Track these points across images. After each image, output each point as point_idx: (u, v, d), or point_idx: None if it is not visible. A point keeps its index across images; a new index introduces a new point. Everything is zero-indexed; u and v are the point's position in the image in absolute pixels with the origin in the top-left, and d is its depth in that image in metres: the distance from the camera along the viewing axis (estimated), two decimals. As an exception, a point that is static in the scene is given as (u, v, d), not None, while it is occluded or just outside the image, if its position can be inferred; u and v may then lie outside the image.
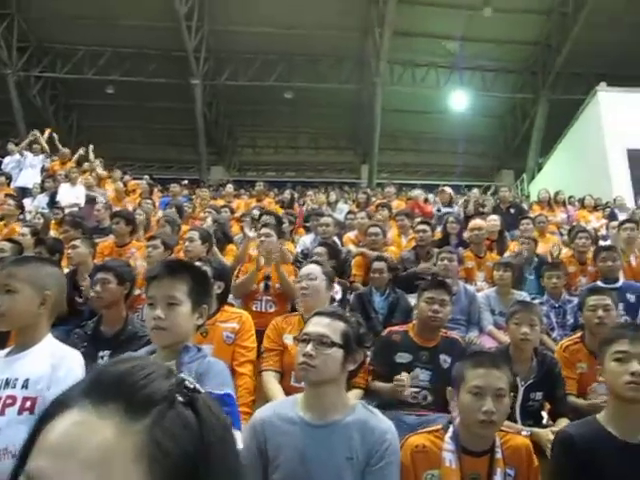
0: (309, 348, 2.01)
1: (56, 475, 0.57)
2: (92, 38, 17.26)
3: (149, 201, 7.95)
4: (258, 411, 2.15)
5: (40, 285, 2.15)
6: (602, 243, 6.58)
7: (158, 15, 16.08)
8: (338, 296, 4.14)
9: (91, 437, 0.59)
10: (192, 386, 0.68)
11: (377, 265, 4.79)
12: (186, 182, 13.35)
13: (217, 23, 17.12)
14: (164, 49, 17.68)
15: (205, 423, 0.65)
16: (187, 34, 16.53)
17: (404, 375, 2.97)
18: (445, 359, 3.23)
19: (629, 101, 14.68)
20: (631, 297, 4.59)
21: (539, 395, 3.11)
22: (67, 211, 7.91)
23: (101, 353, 3.19)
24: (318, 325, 2.09)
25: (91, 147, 11.55)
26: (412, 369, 3.18)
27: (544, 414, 3.25)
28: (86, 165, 10.86)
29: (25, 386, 2.01)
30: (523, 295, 4.90)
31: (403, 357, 3.23)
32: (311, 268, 3.41)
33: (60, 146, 11.57)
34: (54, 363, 2.08)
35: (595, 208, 10.66)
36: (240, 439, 1.87)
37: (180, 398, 0.65)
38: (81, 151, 11.56)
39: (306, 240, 6.54)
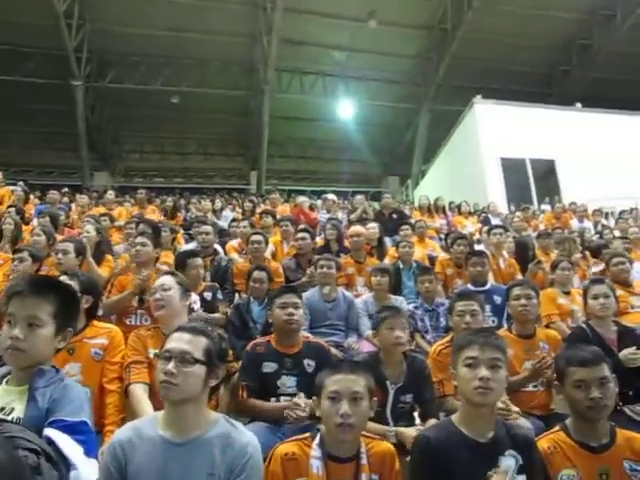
0: (171, 366, 1.96)
1: None
2: (-42, 33, 16.03)
3: (12, 209, 7.45)
4: (117, 431, 2.08)
5: None
6: (476, 247, 6.93)
7: (35, 10, 15.20)
8: (197, 306, 4.09)
9: None
10: None
11: (257, 275, 4.77)
12: (66, 189, 12.73)
13: (100, 22, 16.52)
14: (43, 47, 16.80)
15: None
16: (67, 32, 15.81)
17: (301, 400, 2.96)
18: (309, 363, 3.28)
19: (502, 113, 15.72)
20: (498, 299, 4.85)
21: (409, 397, 3.20)
22: None
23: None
24: (180, 341, 2.04)
25: None
26: (279, 377, 3.20)
27: (416, 415, 3.35)
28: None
29: None
30: (399, 300, 5.05)
31: (269, 366, 3.23)
32: (164, 279, 3.36)
33: None
34: None
35: (471, 214, 11.22)
36: (95, 468, 1.79)
37: None
38: None
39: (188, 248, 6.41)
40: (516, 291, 3.88)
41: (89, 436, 1.78)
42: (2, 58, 16.79)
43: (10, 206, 7.85)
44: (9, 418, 1.75)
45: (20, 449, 1.36)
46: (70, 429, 1.72)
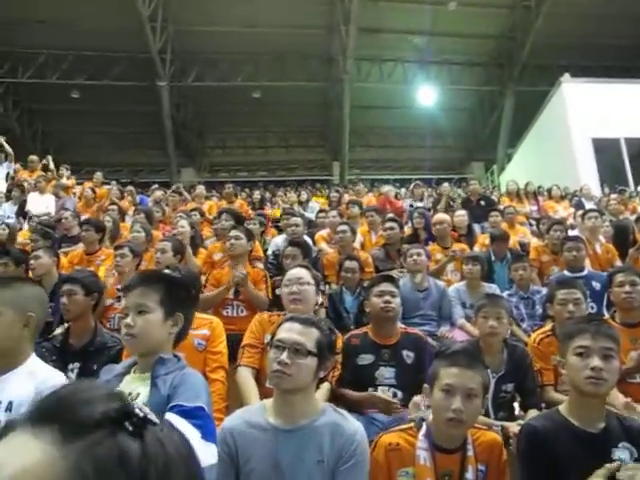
0: (284, 356, 1.98)
1: None
2: (54, 41, 16.90)
3: (114, 207, 7.83)
4: (227, 419, 2.13)
5: (23, 307, 2.14)
6: (570, 232, 6.68)
7: (121, 17, 15.82)
8: (320, 300, 4.14)
9: (17, 458, 0.58)
10: (142, 415, 0.65)
11: (348, 265, 4.79)
12: (156, 186, 13.22)
13: (182, 24, 16.93)
14: (129, 51, 17.45)
15: (147, 458, 0.61)
16: (151, 36, 16.35)
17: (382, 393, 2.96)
18: (408, 354, 3.25)
19: (592, 91, 14.94)
20: (596, 285, 4.66)
21: (510, 387, 3.14)
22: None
23: (71, 366, 3.15)
24: (292, 332, 2.05)
25: (49, 157, 11.40)
26: (376, 368, 3.19)
27: (516, 405, 3.28)
28: (49, 175, 10.68)
29: (9, 409, 2.00)
30: (493, 287, 4.95)
31: (365, 358, 3.22)
32: (301, 272, 3.27)
33: (52, 167, 11.35)
34: (37, 385, 2.06)
35: (562, 198, 10.80)
36: (213, 452, 1.84)
37: (128, 427, 0.62)
38: (44, 160, 11.40)
39: (277, 241, 6.52)
40: (619, 277, 3.71)
41: (206, 421, 1.83)
42: (93, 64, 17.66)
43: (111, 204, 8.26)
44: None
45: None
46: (188, 414, 1.78)
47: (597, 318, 2.46)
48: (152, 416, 0.66)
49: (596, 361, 2.06)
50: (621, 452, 2.01)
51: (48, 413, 0.62)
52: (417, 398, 2.88)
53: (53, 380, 2.13)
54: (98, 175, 11.29)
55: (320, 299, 3.52)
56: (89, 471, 0.58)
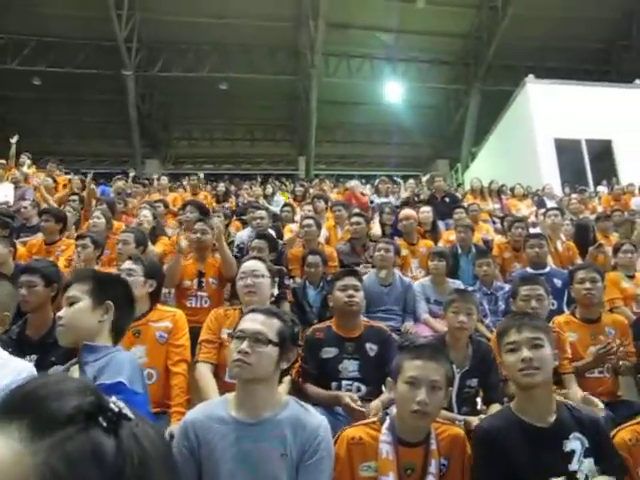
0: (245, 345, 1.98)
1: None
2: (15, 26, 16.45)
3: (76, 197, 7.67)
4: (189, 413, 2.11)
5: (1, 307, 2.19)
6: (532, 230, 6.78)
7: (86, 2, 15.51)
8: (276, 291, 4.12)
9: None
10: (117, 410, 0.62)
11: (311, 259, 4.78)
12: (119, 177, 12.96)
13: (149, 12, 16.71)
14: (93, 39, 17.11)
15: (122, 454, 0.59)
16: (117, 23, 16.07)
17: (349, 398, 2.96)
18: (371, 347, 3.25)
19: (556, 93, 15.23)
20: (558, 282, 4.74)
21: (474, 382, 3.16)
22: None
23: (28, 358, 3.06)
24: (254, 322, 2.06)
25: (15, 138, 11.03)
26: (340, 362, 3.19)
27: (479, 400, 3.31)
28: (8, 163, 10.37)
29: None
30: (457, 283, 4.99)
31: (329, 352, 3.22)
32: (256, 265, 3.29)
33: (13, 153, 10.97)
34: (7, 375, 2.09)
35: (525, 196, 10.98)
36: None
37: (102, 422, 0.59)
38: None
39: (243, 235, 6.47)
40: (580, 274, 3.78)
41: (128, 395, 1.79)
42: (55, 50, 17.22)
43: (73, 194, 8.07)
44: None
45: None
46: (107, 391, 1.75)
47: (521, 313, 2.52)
48: (127, 411, 0.64)
49: (525, 352, 2.12)
50: (572, 443, 2.06)
51: (15, 407, 0.59)
52: (374, 403, 2.88)
53: (26, 370, 2.18)
54: (52, 165, 10.97)
55: (276, 291, 3.53)
56: (60, 468, 0.55)
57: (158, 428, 0.68)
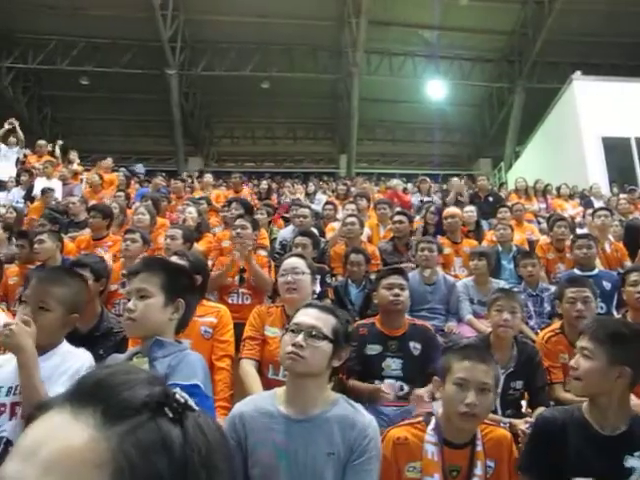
0: (300, 338, 1.97)
1: (16, 476, 0.55)
2: (64, 28, 16.89)
3: (121, 194, 7.84)
4: (237, 405, 2.11)
5: (70, 307, 2.20)
6: (579, 231, 6.64)
7: (132, 4, 15.82)
8: (318, 289, 4.11)
9: (57, 439, 0.57)
10: (183, 401, 0.64)
11: (354, 258, 4.77)
12: (163, 174, 13.20)
13: (193, 12, 16.88)
14: (139, 39, 17.41)
15: (189, 444, 0.61)
16: (162, 24, 16.26)
17: (385, 386, 2.95)
18: (415, 346, 3.24)
19: (603, 90, 14.78)
20: (607, 285, 4.62)
21: (519, 384, 3.11)
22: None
23: (76, 351, 3.14)
24: (309, 316, 2.04)
25: (59, 143, 11.38)
26: (383, 359, 3.19)
27: (523, 403, 3.26)
28: (54, 160, 10.68)
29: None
30: (501, 283, 4.91)
31: (373, 349, 3.23)
32: (296, 262, 3.26)
33: (58, 154, 11.33)
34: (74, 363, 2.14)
35: (571, 196, 10.75)
36: None
37: (169, 413, 0.61)
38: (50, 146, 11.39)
39: (285, 232, 6.50)
40: (633, 277, 3.68)
41: (201, 399, 1.82)
42: (102, 51, 17.62)
43: (119, 191, 8.26)
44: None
45: None
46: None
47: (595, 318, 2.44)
48: (191, 402, 0.65)
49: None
50: (635, 461, 1.96)
51: (88, 394, 0.61)
52: (420, 391, 2.87)
53: (89, 359, 2.22)
54: (108, 161, 11.28)
55: (318, 288, 3.51)
56: (133, 454, 0.57)
57: (215, 420, 0.70)
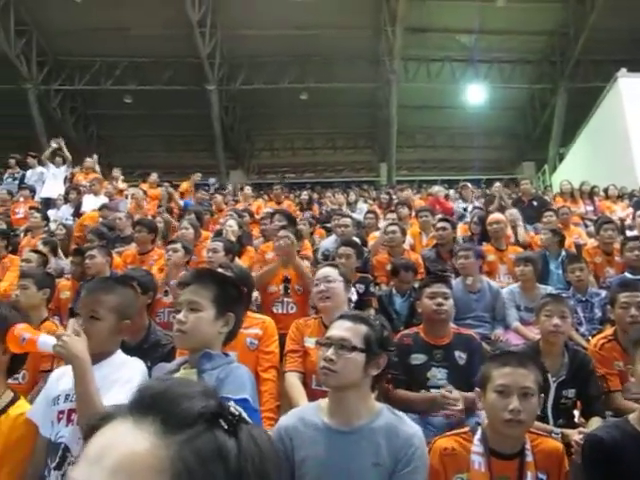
0: (330, 352, 1.99)
1: (84, 479, 0.60)
2: (107, 49, 17.41)
3: (162, 209, 7.99)
4: (283, 418, 2.13)
5: (122, 315, 2.23)
6: (628, 233, 6.46)
7: (171, 23, 16.14)
8: (354, 297, 4.10)
9: (121, 446, 0.61)
10: (237, 413, 0.68)
11: (404, 276, 4.74)
12: (207, 187, 13.39)
13: (229, 28, 17.14)
14: (179, 56, 17.78)
15: (243, 454, 0.64)
16: (201, 40, 16.60)
17: (450, 391, 2.91)
18: (460, 355, 3.19)
19: (650, 86, 14.39)
20: (661, 289, 4.46)
21: (572, 392, 3.01)
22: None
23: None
24: (340, 329, 2.06)
25: (95, 157, 11.67)
26: (428, 369, 3.15)
27: (576, 412, 3.16)
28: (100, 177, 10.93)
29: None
30: (548, 289, 4.80)
31: (418, 358, 3.19)
32: (328, 271, 3.32)
33: (98, 169, 11.64)
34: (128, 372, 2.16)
35: (620, 198, 10.46)
36: None
37: (224, 424, 0.65)
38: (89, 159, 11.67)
39: (327, 242, 6.50)
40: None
41: (250, 413, 1.82)
42: (145, 70, 18.13)
43: (160, 206, 8.42)
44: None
45: None
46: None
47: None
48: (245, 415, 0.70)
49: None
50: None
51: (148, 405, 0.65)
52: (455, 393, 2.83)
53: (143, 369, 2.25)
54: (153, 176, 11.51)
55: (354, 296, 3.50)
56: (192, 462, 0.60)
57: (267, 432, 0.72)
